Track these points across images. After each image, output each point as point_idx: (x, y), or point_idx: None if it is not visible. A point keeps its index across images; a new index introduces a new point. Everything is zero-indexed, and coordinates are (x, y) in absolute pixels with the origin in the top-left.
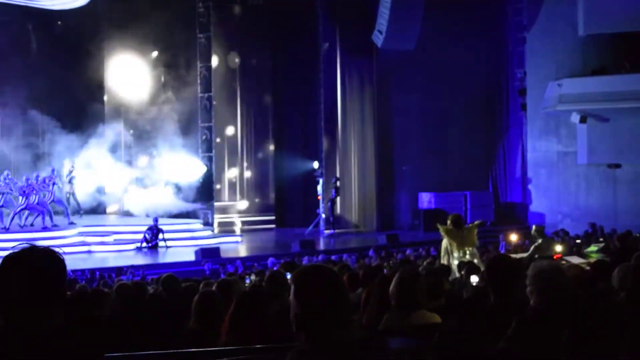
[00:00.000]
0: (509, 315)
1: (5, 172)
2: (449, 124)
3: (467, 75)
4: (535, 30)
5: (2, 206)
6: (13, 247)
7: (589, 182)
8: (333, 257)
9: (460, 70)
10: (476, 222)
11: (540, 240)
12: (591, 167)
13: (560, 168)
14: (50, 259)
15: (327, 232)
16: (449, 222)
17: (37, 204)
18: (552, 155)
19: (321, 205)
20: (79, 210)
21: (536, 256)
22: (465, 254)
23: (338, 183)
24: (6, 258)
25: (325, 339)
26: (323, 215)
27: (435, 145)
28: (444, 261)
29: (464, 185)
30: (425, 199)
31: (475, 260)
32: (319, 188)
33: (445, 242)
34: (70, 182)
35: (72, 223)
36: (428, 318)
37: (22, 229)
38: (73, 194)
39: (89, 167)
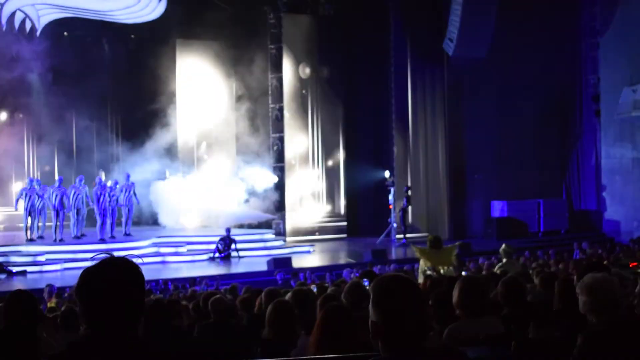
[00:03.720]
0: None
1: (78, 178)
2: (521, 131)
3: (540, 82)
4: (609, 35)
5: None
6: (92, 257)
7: None
8: (405, 267)
9: (533, 77)
10: (456, 244)
11: (505, 260)
12: None
13: (635, 175)
14: (128, 269)
15: (398, 240)
16: (428, 243)
17: (106, 210)
18: (627, 161)
19: (392, 214)
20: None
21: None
22: (439, 273)
23: (409, 192)
24: (86, 271)
25: (404, 347)
26: (394, 225)
27: (507, 153)
28: (420, 280)
29: (537, 193)
30: (498, 207)
31: None
32: (390, 197)
33: (421, 262)
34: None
35: (127, 234)
36: (494, 325)
37: (103, 241)
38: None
39: (161, 177)
